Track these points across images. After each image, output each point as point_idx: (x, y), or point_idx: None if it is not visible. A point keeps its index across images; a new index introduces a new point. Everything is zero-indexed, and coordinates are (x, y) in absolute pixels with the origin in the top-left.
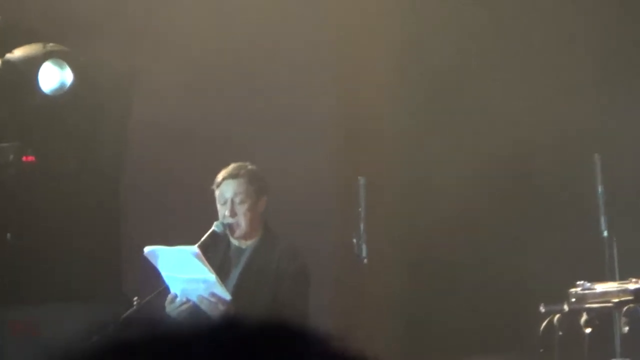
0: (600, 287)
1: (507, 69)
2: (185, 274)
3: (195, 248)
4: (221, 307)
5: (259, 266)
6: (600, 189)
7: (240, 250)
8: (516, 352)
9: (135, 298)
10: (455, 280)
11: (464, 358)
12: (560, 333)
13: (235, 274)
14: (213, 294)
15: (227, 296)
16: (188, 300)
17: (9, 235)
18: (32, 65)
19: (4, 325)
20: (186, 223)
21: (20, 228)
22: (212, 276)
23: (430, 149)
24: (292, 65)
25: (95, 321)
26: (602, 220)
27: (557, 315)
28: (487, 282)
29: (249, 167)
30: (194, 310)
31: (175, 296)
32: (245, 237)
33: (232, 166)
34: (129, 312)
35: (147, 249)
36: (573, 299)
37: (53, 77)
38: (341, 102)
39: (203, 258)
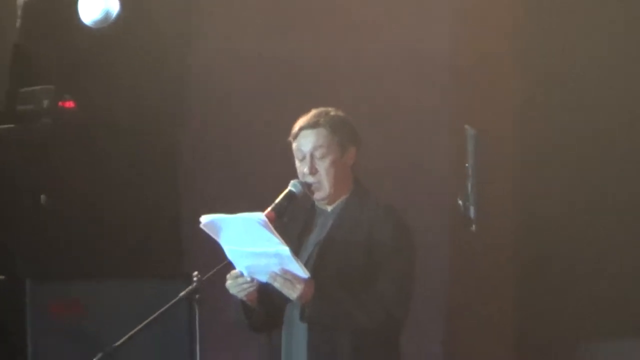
0: None
1: None
2: (252, 247)
3: (261, 215)
4: (298, 287)
5: (346, 232)
6: None
7: (324, 215)
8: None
9: (196, 273)
10: (575, 255)
11: (580, 341)
12: None
13: (316, 245)
14: (286, 271)
15: (304, 273)
16: (253, 280)
17: (43, 197)
18: None
19: (44, 306)
20: (261, 184)
21: (56, 190)
22: (285, 249)
23: (555, 101)
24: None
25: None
26: None
27: None
28: (612, 259)
29: (332, 113)
30: (264, 288)
31: (241, 274)
32: (329, 198)
33: (312, 113)
34: (187, 289)
35: (204, 219)
36: None
37: (96, 5)
38: (455, 43)
39: (271, 227)
